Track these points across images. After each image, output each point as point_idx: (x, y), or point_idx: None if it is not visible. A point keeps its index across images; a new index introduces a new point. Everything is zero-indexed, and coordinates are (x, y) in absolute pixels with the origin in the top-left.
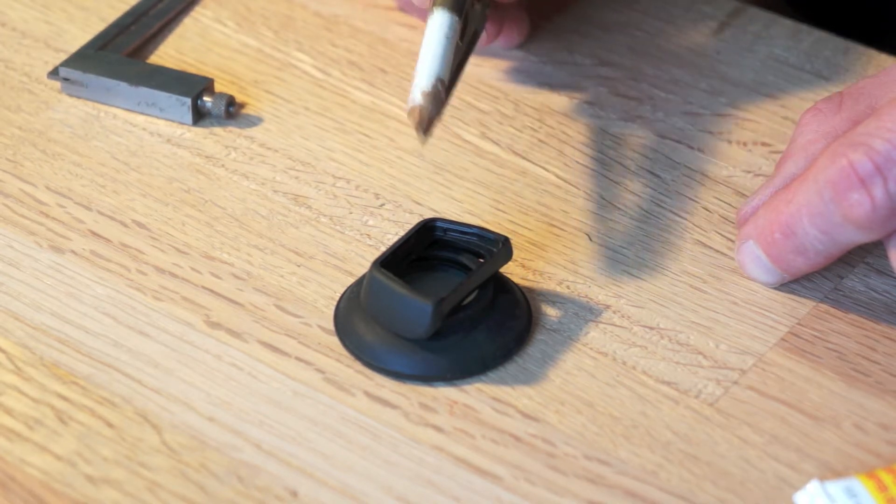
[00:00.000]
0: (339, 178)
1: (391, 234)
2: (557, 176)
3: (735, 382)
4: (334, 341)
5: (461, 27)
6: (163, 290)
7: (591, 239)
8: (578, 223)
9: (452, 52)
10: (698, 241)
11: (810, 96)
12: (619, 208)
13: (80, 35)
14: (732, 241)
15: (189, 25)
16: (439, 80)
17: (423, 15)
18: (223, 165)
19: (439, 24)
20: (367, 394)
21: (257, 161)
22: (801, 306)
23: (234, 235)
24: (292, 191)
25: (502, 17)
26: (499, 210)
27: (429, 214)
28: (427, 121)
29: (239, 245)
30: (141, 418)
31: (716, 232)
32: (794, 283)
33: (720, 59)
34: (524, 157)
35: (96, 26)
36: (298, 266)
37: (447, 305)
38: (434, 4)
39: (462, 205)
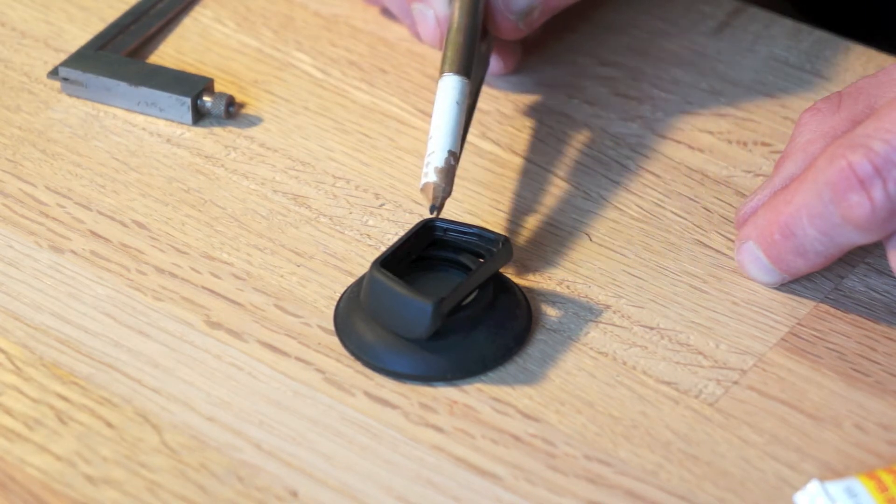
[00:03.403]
0: (339, 178)
1: (391, 234)
2: (557, 176)
3: (735, 382)
4: (334, 341)
5: (470, 87)
6: (163, 290)
7: (591, 239)
8: (578, 223)
9: (463, 117)
10: (698, 241)
11: (810, 96)
12: (619, 208)
13: (79, 35)
14: (732, 241)
15: (189, 25)
16: (452, 154)
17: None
18: (223, 165)
19: (450, 90)
20: (367, 394)
21: (257, 161)
22: (802, 306)
23: (233, 235)
24: (292, 191)
25: (496, 46)
26: (499, 210)
27: (429, 214)
28: (441, 198)
29: (239, 245)
30: (141, 418)
31: (716, 232)
32: (795, 283)
33: (720, 59)
34: (524, 157)
35: (96, 26)
36: (298, 266)
37: (447, 305)
38: (443, 68)
39: (462, 205)
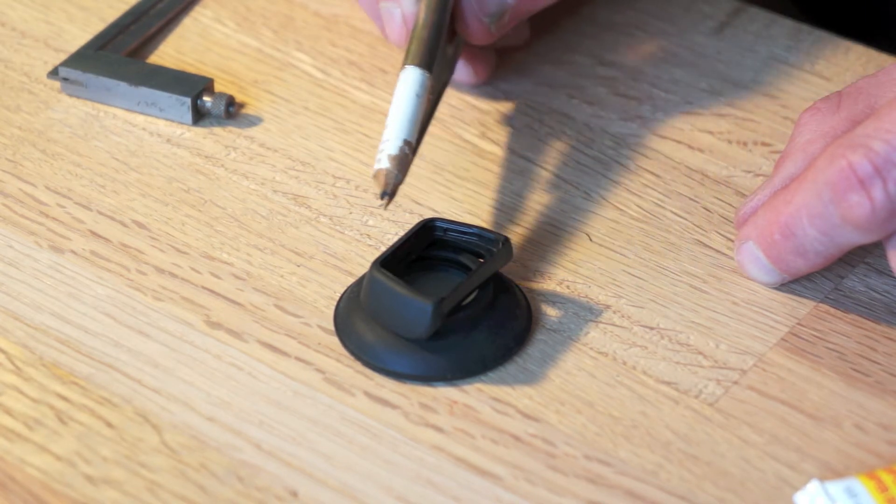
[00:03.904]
0: (339, 178)
1: (391, 234)
2: (557, 176)
3: (735, 382)
4: (334, 341)
5: (431, 82)
6: (163, 290)
7: (591, 239)
8: (578, 223)
9: (421, 110)
10: (698, 241)
11: (810, 96)
12: (619, 208)
13: (79, 35)
14: (732, 241)
15: (189, 25)
16: (406, 142)
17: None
18: (223, 165)
19: (410, 82)
20: (367, 394)
21: (257, 161)
22: (802, 306)
23: (233, 235)
24: (292, 191)
25: (468, 54)
26: (499, 210)
27: (429, 214)
28: (393, 185)
29: (239, 245)
30: (141, 418)
31: (716, 232)
32: (794, 283)
33: (720, 59)
34: (524, 157)
35: (96, 26)
36: (298, 266)
37: (447, 305)
38: (406, 60)
39: (462, 205)
